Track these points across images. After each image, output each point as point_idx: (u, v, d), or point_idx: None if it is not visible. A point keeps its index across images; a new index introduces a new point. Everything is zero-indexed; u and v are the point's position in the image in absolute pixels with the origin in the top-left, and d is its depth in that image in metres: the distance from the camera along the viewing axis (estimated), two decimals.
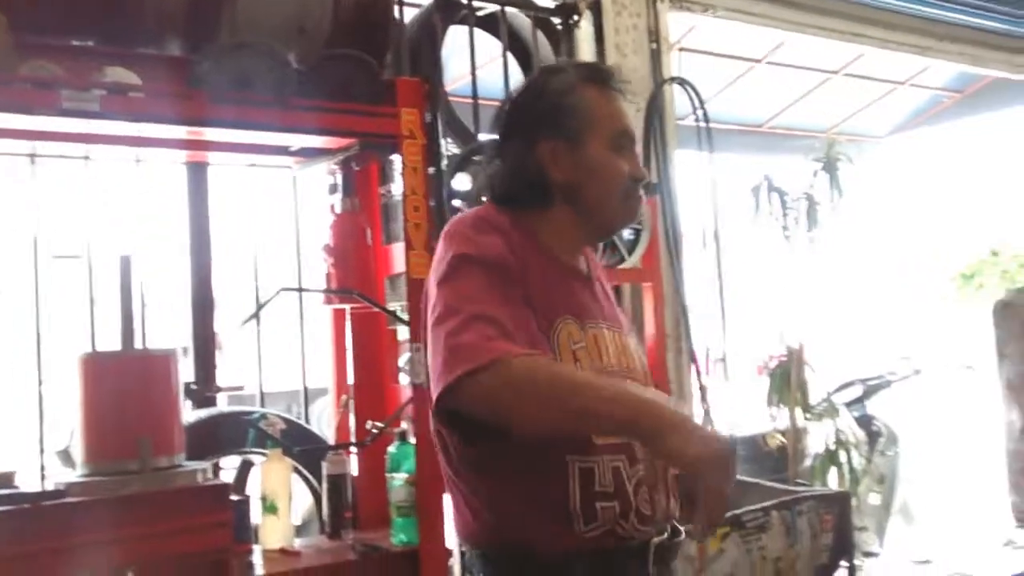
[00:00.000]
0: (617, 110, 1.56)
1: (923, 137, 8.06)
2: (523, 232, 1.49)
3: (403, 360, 2.79)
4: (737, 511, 2.60)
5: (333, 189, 2.77)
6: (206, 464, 2.12)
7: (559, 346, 1.44)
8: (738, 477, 3.32)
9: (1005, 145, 6.97)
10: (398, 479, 2.40)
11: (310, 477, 2.65)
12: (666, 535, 1.49)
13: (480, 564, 1.48)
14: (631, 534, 1.42)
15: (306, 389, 2.99)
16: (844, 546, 2.88)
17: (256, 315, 2.58)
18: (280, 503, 2.37)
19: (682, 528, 1.52)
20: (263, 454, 2.43)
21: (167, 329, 2.97)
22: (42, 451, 2.68)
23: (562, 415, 1.30)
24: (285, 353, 3.37)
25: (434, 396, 1.34)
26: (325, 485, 2.53)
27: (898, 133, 8.32)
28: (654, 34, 4.09)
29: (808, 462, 4.11)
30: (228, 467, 2.49)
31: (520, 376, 1.30)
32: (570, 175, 1.53)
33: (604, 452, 1.42)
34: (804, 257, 3.90)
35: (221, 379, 2.87)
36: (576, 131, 1.52)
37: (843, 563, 2.91)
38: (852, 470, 3.87)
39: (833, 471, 3.98)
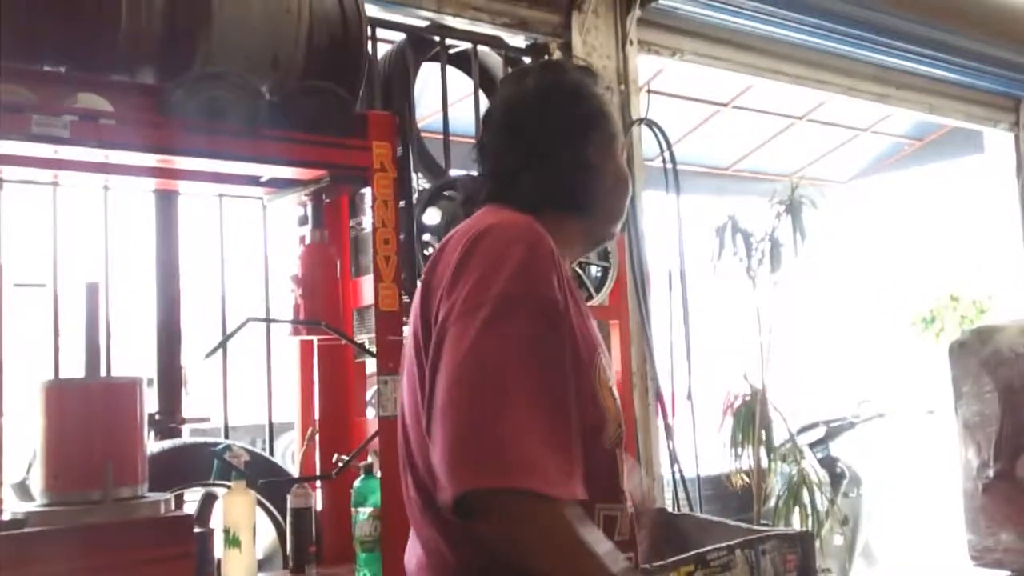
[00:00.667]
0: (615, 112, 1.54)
1: (884, 183, 8.24)
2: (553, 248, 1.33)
3: (370, 394, 2.79)
4: (701, 550, 2.59)
5: (303, 221, 2.78)
6: (169, 495, 2.10)
7: (600, 386, 1.35)
8: (702, 516, 3.33)
9: (962, 192, 7.13)
10: (363, 513, 2.38)
11: (274, 511, 2.62)
12: None
13: None
14: None
15: (271, 422, 2.97)
16: None
17: (223, 345, 2.57)
18: (243, 536, 2.33)
19: None
20: (227, 486, 2.39)
21: (132, 360, 2.93)
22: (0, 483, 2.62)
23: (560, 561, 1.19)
24: (251, 387, 3.34)
25: (456, 478, 1.16)
26: (289, 519, 2.50)
27: (860, 178, 8.49)
28: (623, 76, 4.15)
29: (772, 502, 4.13)
30: (191, 499, 2.45)
31: (551, 528, 1.18)
32: (606, 174, 1.49)
33: (624, 500, 1.39)
34: (768, 298, 3.95)
35: (186, 411, 2.84)
36: (613, 136, 1.50)
37: None
38: (815, 510, 3.89)
39: (797, 511, 4.00)
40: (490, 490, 1.16)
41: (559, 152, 1.45)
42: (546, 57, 4.01)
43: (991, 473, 1.85)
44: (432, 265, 1.36)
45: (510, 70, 3.80)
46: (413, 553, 1.46)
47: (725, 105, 6.55)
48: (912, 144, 7.91)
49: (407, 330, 1.44)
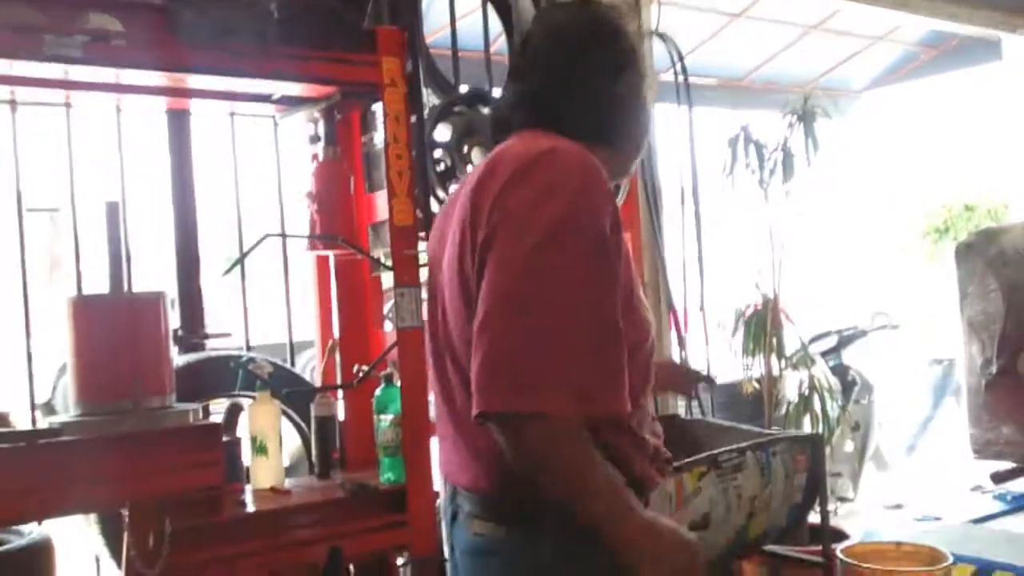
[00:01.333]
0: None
1: (900, 92, 8.13)
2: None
3: (387, 308, 2.84)
4: (714, 451, 2.67)
5: (315, 139, 2.79)
6: (196, 406, 2.17)
7: (638, 302, 1.49)
8: (715, 421, 3.40)
9: (979, 100, 7.04)
10: (385, 420, 2.45)
11: (299, 420, 2.71)
12: None
13: (492, 508, 1.47)
14: None
15: (291, 336, 3.04)
16: (817, 486, 2.95)
17: (240, 261, 2.61)
18: (270, 444, 2.42)
19: None
20: (251, 397, 2.47)
21: (152, 279, 3.00)
22: (32, 400, 2.72)
23: (568, 492, 1.31)
24: (270, 306, 3.41)
25: (487, 406, 1.28)
26: (313, 427, 2.58)
27: (875, 88, 8.38)
28: None
29: (784, 409, 4.21)
30: (217, 411, 2.54)
31: (567, 453, 1.29)
32: (638, 107, 1.58)
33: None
34: (780, 209, 3.95)
35: (208, 328, 2.91)
36: (642, 76, 1.57)
37: (817, 505, 2.99)
38: (826, 415, 3.96)
39: (808, 417, 4.07)
40: (510, 413, 1.28)
41: (596, 86, 1.52)
42: None
43: (994, 369, 1.89)
44: (485, 176, 1.42)
45: None
46: (454, 450, 1.55)
47: (738, 15, 6.45)
48: (928, 52, 7.78)
49: (449, 233, 1.50)
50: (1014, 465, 1.93)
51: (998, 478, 2.00)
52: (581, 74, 1.52)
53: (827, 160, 4.06)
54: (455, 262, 1.43)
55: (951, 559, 2.85)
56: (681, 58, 3.99)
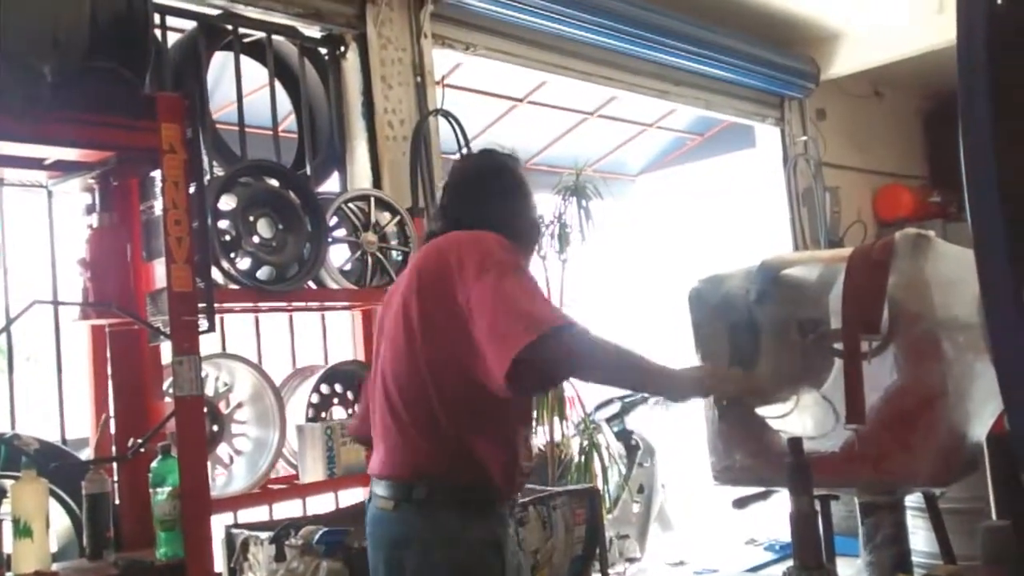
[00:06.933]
0: None
1: (670, 176, 8.81)
2: None
3: (167, 383, 2.76)
4: None
5: (91, 209, 2.72)
6: None
7: None
8: None
9: (738, 182, 7.74)
10: (162, 493, 2.38)
11: (68, 500, 2.57)
12: None
13: (435, 492, 1.91)
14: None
15: (63, 410, 2.89)
16: (596, 538, 3.11)
17: (7, 329, 2.49)
18: (35, 525, 2.28)
19: None
20: (15, 477, 2.34)
21: None
22: None
23: (622, 375, 1.98)
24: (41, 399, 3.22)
25: (520, 344, 1.75)
26: (85, 505, 2.46)
27: (648, 172, 9.03)
28: (418, 68, 4.28)
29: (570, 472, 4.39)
30: None
31: (595, 340, 1.84)
32: (529, 224, 2.27)
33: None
34: (558, 275, 4.20)
35: None
36: (526, 196, 2.24)
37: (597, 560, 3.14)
38: (605, 472, 4.18)
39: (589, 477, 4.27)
40: (554, 329, 1.77)
41: (491, 208, 2.14)
42: (341, 49, 4.08)
43: (724, 401, 2.11)
44: (434, 254, 2.02)
45: (306, 60, 3.85)
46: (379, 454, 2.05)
47: (521, 100, 6.80)
48: (694, 139, 8.50)
49: (397, 292, 2.11)
50: (758, 490, 2.14)
51: (740, 503, 2.20)
52: (476, 202, 2.16)
53: (610, 235, 4.37)
54: (401, 310, 2.00)
55: None
56: (465, 135, 4.19)
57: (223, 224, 3.10)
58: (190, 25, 3.50)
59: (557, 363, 1.85)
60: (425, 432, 1.94)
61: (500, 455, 1.97)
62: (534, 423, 4.22)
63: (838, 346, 2.12)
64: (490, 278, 1.86)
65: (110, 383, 2.69)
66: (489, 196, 2.17)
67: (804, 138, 6.86)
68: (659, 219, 8.99)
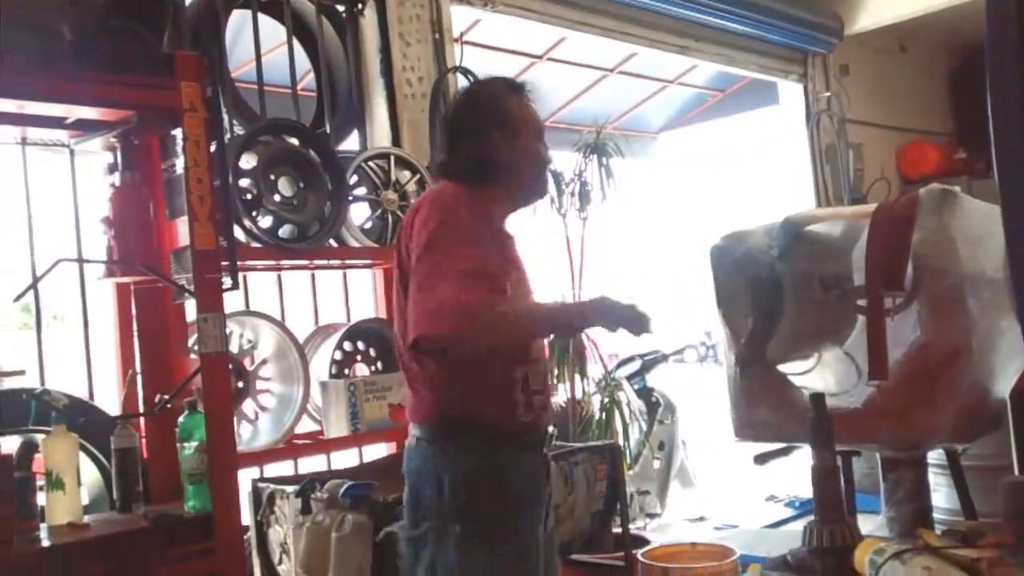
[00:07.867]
0: (533, 113, 2.18)
1: (691, 133, 8.74)
2: (479, 202, 2.04)
3: (192, 340, 2.79)
4: None
5: (112, 168, 2.73)
6: None
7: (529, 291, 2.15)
8: None
9: (761, 139, 7.66)
10: (189, 448, 2.42)
11: (98, 454, 2.62)
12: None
13: (441, 435, 2.03)
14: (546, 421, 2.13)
15: (90, 367, 2.92)
16: (617, 494, 3.13)
17: (33, 287, 2.51)
18: (67, 478, 2.33)
19: None
20: (46, 431, 2.38)
21: None
22: None
23: (521, 334, 2.03)
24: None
25: (422, 330, 1.89)
26: (114, 459, 2.50)
27: (669, 129, 8.96)
28: (437, 25, 4.25)
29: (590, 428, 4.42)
30: (8, 447, 2.42)
31: (491, 318, 1.90)
32: (510, 158, 2.10)
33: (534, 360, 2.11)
34: (578, 234, 4.18)
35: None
36: (516, 131, 2.11)
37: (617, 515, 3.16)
38: (626, 426, 4.20)
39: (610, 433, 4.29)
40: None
41: (466, 140, 2.13)
42: (359, 6, 4.05)
43: (747, 357, 2.11)
44: (411, 215, 2.05)
45: (323, 18, 3.83)
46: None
47: (540, 58, 6.74)
48: (715, 95, 8.41)
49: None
50: (779, 446, 2.14)
51: (761, 459, 2.20)
52: (460, 139, 2.14)
53: (631, 194, 4.34)
54: (396, 264, 2.10)
55: (738, 554, 3.12)
56: None
57: (244, 183, 3.10)
58: None
59: (453, 345, 1.94)
60: (421, 380, 2.06)
61: (493, 395, 2.05)
62: (552, 378, 4.23)
63: (861, 302, 2.11)
64: (423, 265, 1.95)
65: (135, 340, 2.71)
66: (461, 134, 2.16)
67: (827, 94, 6.76)
68: (680, 176, 8.93)
